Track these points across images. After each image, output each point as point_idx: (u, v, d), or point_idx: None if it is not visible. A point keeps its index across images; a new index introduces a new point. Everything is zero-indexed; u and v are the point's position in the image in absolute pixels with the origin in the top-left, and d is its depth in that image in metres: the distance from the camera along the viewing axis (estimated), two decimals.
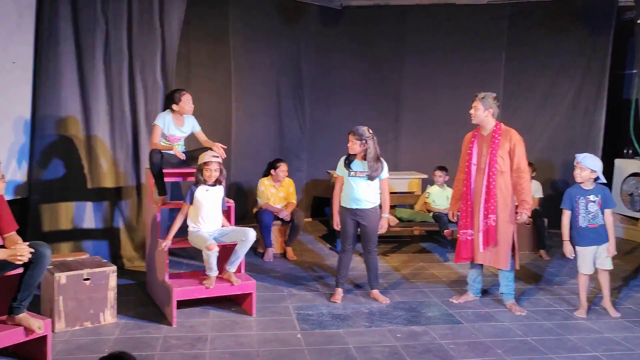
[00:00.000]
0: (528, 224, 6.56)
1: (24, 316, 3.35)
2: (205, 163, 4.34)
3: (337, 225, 4.80)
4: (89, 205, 5.37)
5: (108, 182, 5.41)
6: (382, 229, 4.77)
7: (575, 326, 4.29)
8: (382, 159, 4.68)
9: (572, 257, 4.53)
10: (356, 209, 4.65)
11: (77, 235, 5.32)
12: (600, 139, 7.80)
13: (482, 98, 4.47)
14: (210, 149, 4.55)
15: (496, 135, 4.47)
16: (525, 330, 4.19)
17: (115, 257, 5.48)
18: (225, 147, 4.69)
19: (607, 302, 4.57)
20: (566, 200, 4.53)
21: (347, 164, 4.67)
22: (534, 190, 6.62)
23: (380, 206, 4.76)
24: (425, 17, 8.15)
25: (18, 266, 3.33)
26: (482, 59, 8.06)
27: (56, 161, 5.25)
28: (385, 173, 4.70)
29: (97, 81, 5.32)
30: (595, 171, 4.41)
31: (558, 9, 7.78)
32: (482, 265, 4.73)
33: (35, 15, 5.13)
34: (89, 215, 5.37)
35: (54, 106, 5.19)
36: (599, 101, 7.79)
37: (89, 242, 5.37)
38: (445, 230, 6.19)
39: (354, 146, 4.60)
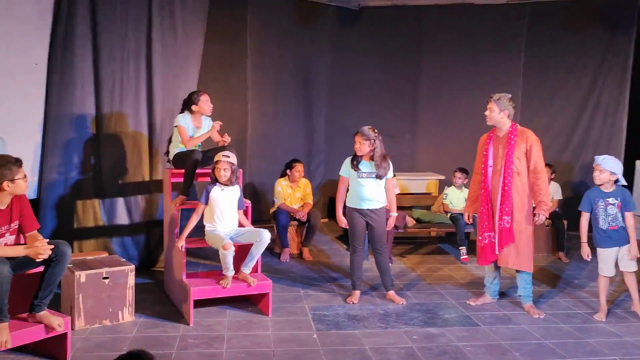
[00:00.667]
0: (547, 226, 6.49)
1: (45, 314, 3.41)
2: (216, 162, 4.37)
3: (345, 223, 4.76)
4: (107, 203, 5.42)
5: (126, 180, 5.45)
6: (390, 227, 4.85)
7: (594, 329, 4.24)
8: (388, 158, 4.69)
9: (589, 259, 4.47)
10: (367, 209, 4.65)
11: (98, 233, 5.37)
12: (622, 140, 7.70)
13: (497, 99, 4.43)
14: (224, 148, 4.59)
15: (512, 137, 4.43)
16: (543, 333, 4.15)
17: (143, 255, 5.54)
18: (221, 122, 4.74)
19: (636, 305, 4.48)
20: (585, 203, 4.47)
21: (355, 165, 4.65)
22: (553, 192, 6.55)
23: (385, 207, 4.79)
24: (443, 17, 8.11)
25: (39, 264, 3.39)
26: (500, 59, 8.00)
27: (73, 160, 5.29)
28: (391, 172, 4.71)
29: (113, 81, 5.36)
30: (615, 173, 4.35)
31: (578, 8, 7.69)
32: (499, 267, 4.69)
33: (52, 16, 5.19)
34: (108, 213, 5.41)
35: (68, 105, 5.20)
36: (621, 102, 7.69)
37: (114, 240, 5.41)
38: (462, 257, 6.13)
39: (363, 147, 4.59)
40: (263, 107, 7.70)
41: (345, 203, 4.79)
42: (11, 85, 4.87)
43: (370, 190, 4.63)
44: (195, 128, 4.79)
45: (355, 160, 4.66)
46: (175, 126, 4.74)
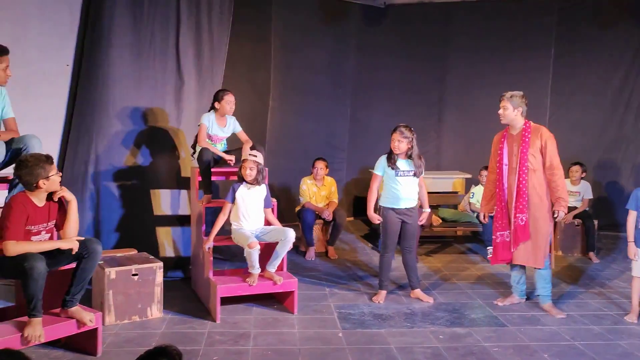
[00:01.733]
0: (577, 226, 6.39)
1: (77, 309, 3.49)
2: (243, 161, 4.41)
3: (377, 219, 4.73)
4: (141, 200, 5.49)
5: (148, 181, 5.52)
6: (423, 221, 4.86)
7: (625, 331, 4.16)
8: (422, 156, 4.70)
9: (636, 260, 4.37)
10: (404, 208, 4.64)
11: (133, 229, 5.45)
12: None
13: (510, 97, 4.38)
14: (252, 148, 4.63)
15: (526, 134, 4.37)
16: (572, 334, 4.08)
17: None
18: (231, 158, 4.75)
19: None
20: (632, 201, 4.38)
21: (393, 163, 4.61)
22: (584, 191, 6.43)
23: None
24: (471, 14, 8.03)
25: (72, 261, 3.48)
26: (529, 56, 7.89)
27: (97, 157, 5.38)
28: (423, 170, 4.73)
29: (140, 80, 5.43)
30: None
31: (609, 3, 7.55)
32: (524, 266, 4.63)
33: (79, 16, 5.27)
34: (145, 209, 5.49)
35: (95, 103, 5.29)
36: None
37: (149, 236, 5.49)
38: (490, 257, 6.04)
39: (401, 145, 4.57)
40: (286, 105, 7.72)
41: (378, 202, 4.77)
42: (45, 86, 5.00)
43: (408, 188, 4.62)
44: (219, 127, 4.85)
45: (392, 159, 4.62)
46: (199, 124, 4.81)
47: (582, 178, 6.48)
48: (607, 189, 7.66)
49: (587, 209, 6.48)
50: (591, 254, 6.27)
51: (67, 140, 5.25)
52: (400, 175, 4.60)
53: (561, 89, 7.86)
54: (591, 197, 6.53)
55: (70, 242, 3.39)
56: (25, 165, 3.31)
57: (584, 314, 4.50)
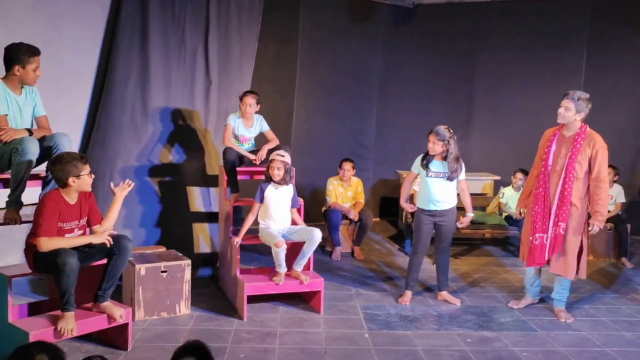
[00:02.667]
0: (609, 230, 6.25)
1: (108, 304, 3.55)
2: (271, 161, 4.44)
3: (410, 207, 4.72)
4: (172, 198, 5.56)
5: (176, 178, 5.59)
6: (463, 224, 4.77)
7: None
8: (460, 159, 4.61)
9: None
10: (435, 210, 4.59)
11: (163, 227, 5.53)
12: None
13: (577, 100, 4.18)
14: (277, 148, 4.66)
15: (579, 139, 4.20)
16: (604, 340, 4.00)
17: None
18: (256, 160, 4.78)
19: None
20: None
21: (425, 164, 4.57)
22: (616, 195, 6.30)
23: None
24: (501, 13, 7.92)
25: (103, 257, 3.54)
26: (561, 56, 7.74)
27: (123, 155, 5.45)
28: (463, 174, 4.62)
29: (170, 80, 5.49)
30: None
31: None
32: (540, 269, 4.58)
33: (107, 15, 5.35)
34: (175, 208, 5.56)
35: (121, 102, 5.35)
36: None
37: (178, 232, 5.56)
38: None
39: (436, 147, 4.50)
40: (312, 105, 7.72)
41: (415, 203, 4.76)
42: (77, 85, 5.10)
43: (439, 190, 4.54)
44: (245, 127, 4.90)
45: (426, 159, 4.58)
46: (225, 125, 4.87)
47: (614, 181, 6.35)
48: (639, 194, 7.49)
49: (620, 213, 6.34)
50: (624, 259, 6.14)
51: (89, 136, 5.32)
52: (431, 177, 4.56)
53: (593, 91, 7.61)
54: (624, 200, 6.39)
55: (102, 236, 3.45)
56: (59, 161, 3.37)
57: (615, 320, 4.41)
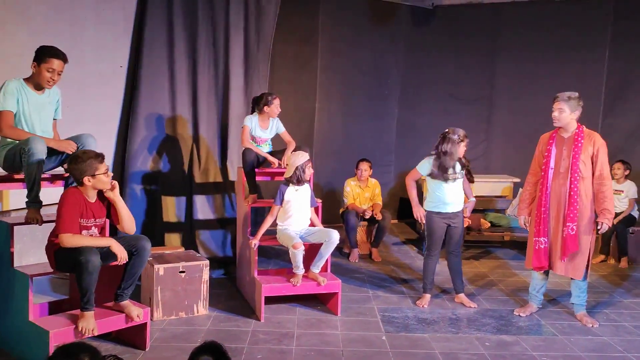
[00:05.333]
0: (632, 233, 6.13)
1: (127, 304, 3.59)
2: (308, 161, 4.43)
3: (423, 214, 4.63)
4: (191, 199, 5.60)
5: (198, 179, 5.63)
6: (467, 212, 4.80)
7: None
8: None
9: None
10: (451, 212, 4.58)
11: (181, 228, 5.58)
12: None
13: (568, 99, 4.17)
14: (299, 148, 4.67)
15: (579, 139, 4.17)
16: (625, 345, 3.93)
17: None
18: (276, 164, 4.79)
19: None
20: None
21: (446, 169, 4.50)
22: (627, 190, 6.19)
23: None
24: (521, 14, 7.85)
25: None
26: (583, 57, 7.64)
27: (161, 156, 5.55)
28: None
29: (191, 83, 5.55)
30: None
31: None
32: (547, 274, 4.49)
33: (133, 20, 5.44)
34: (194, 209, 5.60)
35: (148, 106, 5.45)
36: None
37: (199, 234, 5.60)
38: None
39: (462, 149, 4.52)
40: (332, 106, 7.74)
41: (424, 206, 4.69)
42: (101, 87, 5.17)
43: (453, 192, 4.56)
44: (262, 129, 4.92)
45: (445, 164, 4.50)
46: (242, 126, 4.89)
47: (625, 176, 6.25)
48: None
49: (632, 213, 6.20)
50: (623, 259, 6.07)
51: (125, 139, 5.42)
52: (450, 180, 4.53)
53: (616, 92, 7.58)
54: (636, 197, 6.27)
55: (121, 250, 3.43)
56: (75, 160, 3.41)
57: (637, 325, 4.33)
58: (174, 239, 5.47)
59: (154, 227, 5.42)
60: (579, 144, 4.17)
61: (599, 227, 4.19)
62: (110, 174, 3.53)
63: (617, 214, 6.17)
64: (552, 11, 7.73)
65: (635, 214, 6.26)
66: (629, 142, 7.46)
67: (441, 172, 4.49)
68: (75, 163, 3.40)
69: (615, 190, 6.27)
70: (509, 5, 7.89)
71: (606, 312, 4.60)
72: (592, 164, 4.18)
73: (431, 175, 4.56)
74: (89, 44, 5.02)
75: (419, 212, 4.66)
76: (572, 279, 4.37)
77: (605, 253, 6.27)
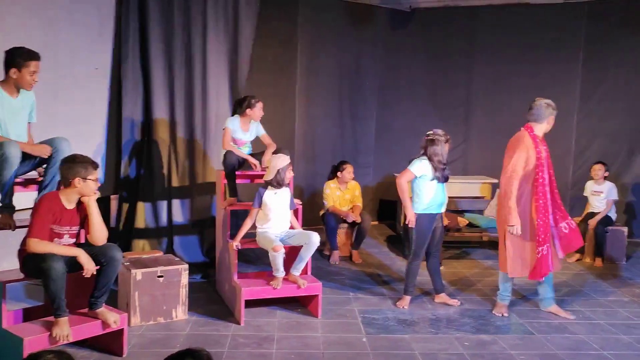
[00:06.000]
0: (607, 232, 6.23)
1: (102, 310, 3.54)
2: (289, 164, 4.42)
3: (413, 223, 4.57)
4: (169, 203, 5.55)
5: (177, 183, 5.59)
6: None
7: None
8: None
9: None
10: (438, 213, 4.63)
11: (159, 232, 5.51)
12: None
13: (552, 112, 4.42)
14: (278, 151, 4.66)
15: (543, 138, 4.42)
16: (601, 343, 3.99)
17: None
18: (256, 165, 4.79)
19: None
20: None
21: (441, 172, 4.53)
22: (607, 191, 6.27)
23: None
24: (498, 17, 7.93)
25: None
26: (558, 60, 7.75)
27: (138, 161, 5.50)
28: None
29: (168, 86, 5.51)
30: None
31: (639, 5, 7.36)
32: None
33: (114, 23, 5.40)
34: (172, 213, 5.55)
35: (127, 110, 5.43)
36: None
37: (176, 238, 5.54)
38: None
39: (447, 149, 4.63)
40: (312, 109, 7.74)
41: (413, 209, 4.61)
42: (75, 89, 5.09)
43: (445, 193, 4.65)
44: (243, 131, 4.90)
45: (439, 167, 4.52)
46: (224, 128, 4.87)
47: (605, 177, 6.34)
48: (637, 195, 7.47)
49: (609, 214, 6.29)
50: (598, 259, 6.16)
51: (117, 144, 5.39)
52: (440, 181, 4.58)
53: (590, 94, 7.70)
54: (616, 198, 6.34)
55: (89, 262, 3.36)
56: (72, 159, 3.38)
57: (613, 323, 4.40)
58: (151, 244, 5.41)
59: (129, 231, 5.36)
60: (544, 143, 4.37)
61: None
62: (98, 184, 3.49)
63: (595, 215, 6.27)
64: (527, 14, 7.83)
65: (612, 214, 6.35)
66: (604, 140, 7.59)
67: (440, 173, 4.51)
68: (70, 162, 3.37)
69: (595, 191, 6.37)
70: (485, 8, 7.97)
71: (582, 311, 4.67)
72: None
73: (427, 176, 4.51)
74: (62, 46, 4.94)
75: (412, 216, 4.54)
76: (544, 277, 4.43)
77: (579, 251, 6.35)
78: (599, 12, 7.58)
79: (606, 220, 6.24)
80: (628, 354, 3.83)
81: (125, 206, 5.51)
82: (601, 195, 6.31)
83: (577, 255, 6.32)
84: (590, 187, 6.44)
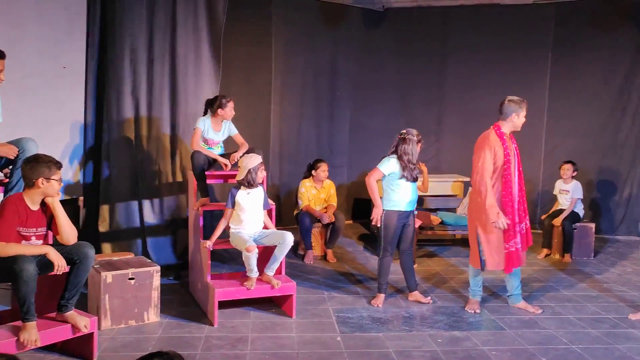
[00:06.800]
0: (575, 229, 6.36)
1: (72, 314, 3.46)
2: (261, 164, 4.39)
3: (379, 219, 4.64)
4: (142, 204, 5.46)
5: (147, 184, 5.51)
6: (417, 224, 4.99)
7: (623, 335, 4.14)
8: None
9: None
10: (408, 211, 4.67)
11: (129, 234, 5.43)
12: None
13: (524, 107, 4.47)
14: (252, 150, 4.63)
15: (512, 136, 4.48)
16: (570, 338, 4.07)
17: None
18: (229, 164, 4.76)
19: None
20: None
21: (410, 171, 4.59)
22: (572, 190, 6.40)
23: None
24: (469, 17, 8.04)
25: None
26: (527, 59, 7.89)
27: (106, 162, 5.40)
28: None
29: (139, 85, 5.43)
30: None
31: (607, 7, 7.54)
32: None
33: (86, 21, 5.30)
34: (143, 213, 5.46)
35: (105, 108, 5.34)
36: None
37: (146, 240, 5.46)
38: None
39: (418, 149, 4.66)
40: (287, 108, 7.74)
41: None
42: (43, 88, 4.99)
43: (413, 191, 4.68)
44: (214, 131, 4.87)
45: (408, 166, 4.58)
46: (194, 128, 4.83)
47: (573, 177, 6.47)
48: (604, 193, 7.65)
49: (575, 209, 6.40)
50: (567, 255, 6.30)
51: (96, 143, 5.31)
52: (413, 181, 4.63)
53: (559, 93, 7.86)
54: (580, 197, 6.47)
55: (59, 258, 3.30)
56: (35, 159, 3.32)
57: (581, 318, 4.49)
58: (121, 246, 5.32)
59: (97, 234, 5.27)
60: (514, 141, 4.43)
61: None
62: (62, 184, 3.42)
63: (562, 212, 6.40)
64: (498, 15, 7.95)
65: (580, 211, 6.48)
66: (572, 139, 7.74)
67: (408, 172, 4.55)
68: (33, 162, 3.30)
69: (563, 190, 6.50)
70: (456, 8, 8.06)
71: (551, 306, 4.76)
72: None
73: (396, 174, 4.57)
74: (30, 44, 4.83)
75: (378, 214, 4.62)
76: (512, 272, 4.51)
77: (547, 247, 6.47)
78: (567, 13, 7.74)
79: (574, 217, 6.36)
80: (596, 347, 3.91)
81: (93, 208, 5.40)
82: (568, 194, 6.45)
83: (546, 251, 6.45)
84: (558, 185, 6.58)
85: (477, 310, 4.58)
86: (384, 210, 4.64)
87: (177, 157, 5.61)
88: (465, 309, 4.60)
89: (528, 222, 4.54)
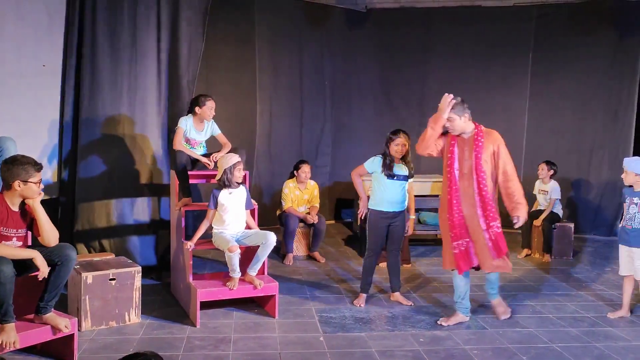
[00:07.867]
0: (554, 229, 6.44)
1: (51, 315, 3.42)
2: (236, 163, 4.36)
3: (361, 213, 4.69)
4: (120, 204, 5.42)
5: (131, 182, 5.46)
6: (410, 230, 4.88)
7: (602, 334, 4.21)
8: None
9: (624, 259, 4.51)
10: (391, 211, 4.62)
11: (109, 234, 5.37)
12: (631, 142, 7.62)
13: (452, 109, 4.15)
14: (233, 150, 4.62)
15: (479, 138, 4.18)
16: (550, 336, 4.12)
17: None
18: (212, 163, 4.71)
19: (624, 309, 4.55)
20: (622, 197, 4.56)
21: (389, 167, 4.55)
22: (550, 190, 6.49)
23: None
24: (451, 19, 8.10)
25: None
26: (508, 61, 7.99)
27: (85, 160, 5.34)
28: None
29: (121, 83, 5.38)
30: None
31: (586, 10, 7.66)
32: (469, 280, 4.43)
33: (65, 19, 5.24)
34: (121, 214, 5.42)
35: (81, 107, 5.28)
36: (630, 104, 7.60)
37: (124, 241, 5.41)
38: None
39: (404, 149, 4.57)
40: (271, 108, 7.73)
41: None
42: (22, 87, 4.91)
43: (397, 192, 4.60)
44: (197, 131, 4.84)
45: (388, 161, 4.55)
46: (176, 128, 4.80)
47: (550, 177, 6.55)
48: (584, 193, 7.76)
49: (554, 210, 6.48)
50: (547, 255, 6.37)
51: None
52: (394, 179, 4.57)
53: (539, 94, 7.96)
54: (558, 197, 6.53)
55: (44, 264, 3.27)
56: (12, 161, 3.26)
57: (561, 317, 4.55)
58: (101, 246, 5.27)
59: (75, 234, 5.21)
60: (480, 143, 4.17)
61: (515, 222, 4.24)
62: (42, 185, 3.37)
63: (541, 212, 6.48)
64: (479, 16, 8.02)
65: (559, 211, 6.57)
66: (552, 139, 7.85)
67: (385, 169, 4.55)
68: (10, 164, 3.24)
69: (541, 190, 6.58)
70: (438, 9, 8.12)
71: (532, 305, 4.81)
72: (495, 161, 4.21)
73: (378, 172, 4.59)
74: (8, 42, 4.75)
75: (364, 208, 4.68)
76: (487, 272, 4.37)
77: (527, 247, 6.55)
78: (548, 14, 7.85)
79: (553, 217, 6.44)
80: (576, 345, 3.96)
81: (71, 208, 5.33)
82: (547, 195, 6.53)
83: (526, 251, 6.52)
84: (538, 185, 6.66)
85: (444, 324, 4.33)
86: (368, 209, 4.67)
87: (155, 158, 5.55)
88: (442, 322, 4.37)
89: (498, 228, 4.19)
